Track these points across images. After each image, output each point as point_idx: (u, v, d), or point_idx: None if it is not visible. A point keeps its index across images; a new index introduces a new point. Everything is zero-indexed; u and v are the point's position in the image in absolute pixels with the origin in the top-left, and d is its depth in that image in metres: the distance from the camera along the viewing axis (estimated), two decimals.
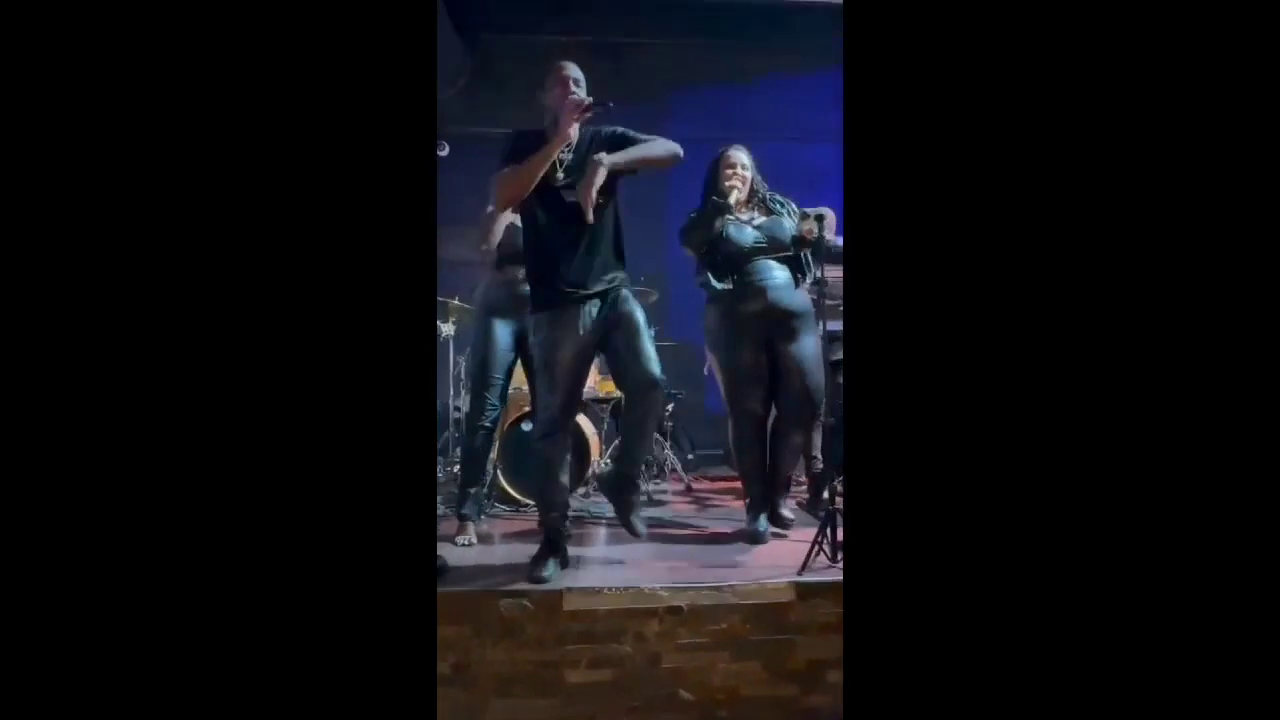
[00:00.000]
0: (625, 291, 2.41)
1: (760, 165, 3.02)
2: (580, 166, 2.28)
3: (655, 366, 2.32)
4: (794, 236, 2.83)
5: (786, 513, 2.89)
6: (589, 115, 2.24)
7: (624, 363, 2.34)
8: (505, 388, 3.01)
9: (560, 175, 2.30)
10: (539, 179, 2.24)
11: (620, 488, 2.41)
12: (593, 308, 2.34)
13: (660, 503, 3.81)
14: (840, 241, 3.03)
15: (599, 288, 2.36)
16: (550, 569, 2.30)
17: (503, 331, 2.94)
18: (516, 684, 2.13)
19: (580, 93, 2.28)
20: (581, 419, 3.68)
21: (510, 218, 2.87)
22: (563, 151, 2.29)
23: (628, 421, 2.41)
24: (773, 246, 2.85)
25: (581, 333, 2.32)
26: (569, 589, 2.19)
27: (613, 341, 2.35)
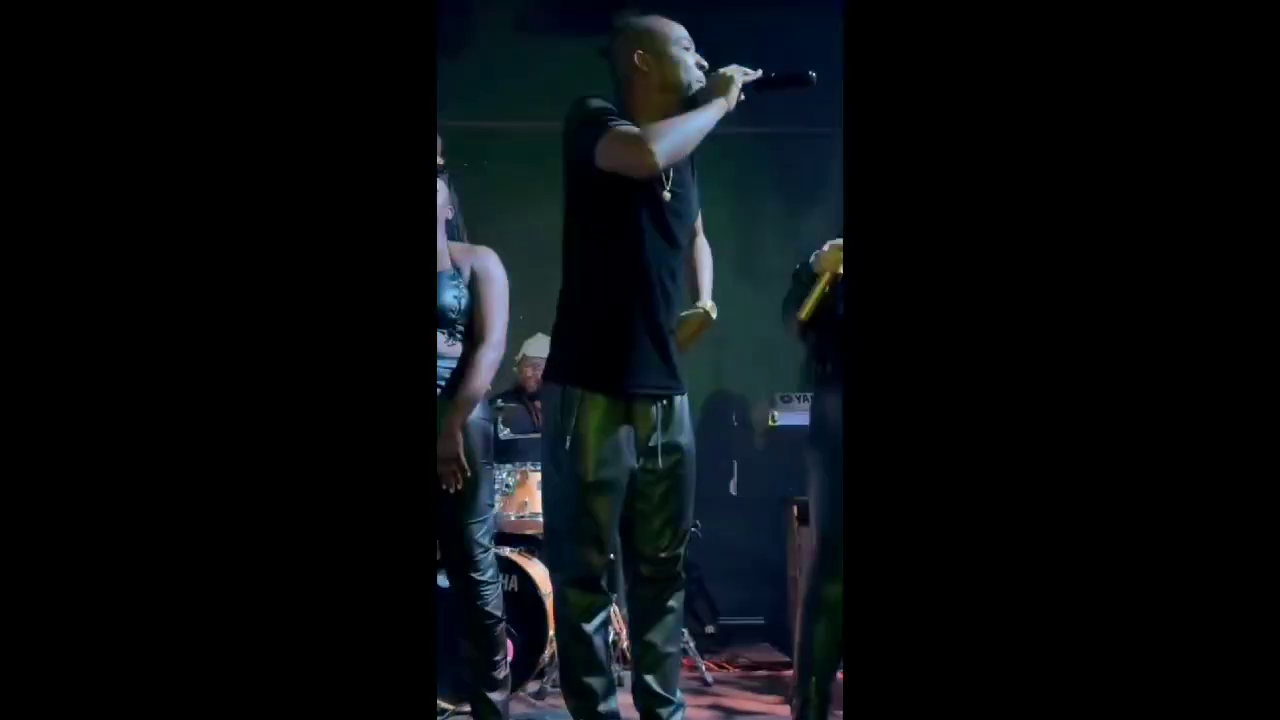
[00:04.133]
0: (685, 404, 2.04)
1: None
2: (685, 185, 2.00)
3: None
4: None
5: None
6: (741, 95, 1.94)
7: (658, 518, 1.98)
8: None
9: (667, 192, 1.93)
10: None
11: None
12: (658, 413, 1.95)
13: None
14: None
15: (672, 384, 1.98)
16: None
17: None
18: None
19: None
20: (534, 565, 2.97)
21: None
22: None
23: (654, 625, 2.01)
24: None
25: (634, 448, 1.93)
26: None
27: (654, 481, 1.97)
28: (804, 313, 2.22)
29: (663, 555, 1.96)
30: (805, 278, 2.26)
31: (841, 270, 2.19)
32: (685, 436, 1.99)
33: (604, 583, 1.92)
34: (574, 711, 1.90)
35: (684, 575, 2.03)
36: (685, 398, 2.00)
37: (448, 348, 2.25)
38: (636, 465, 1.92)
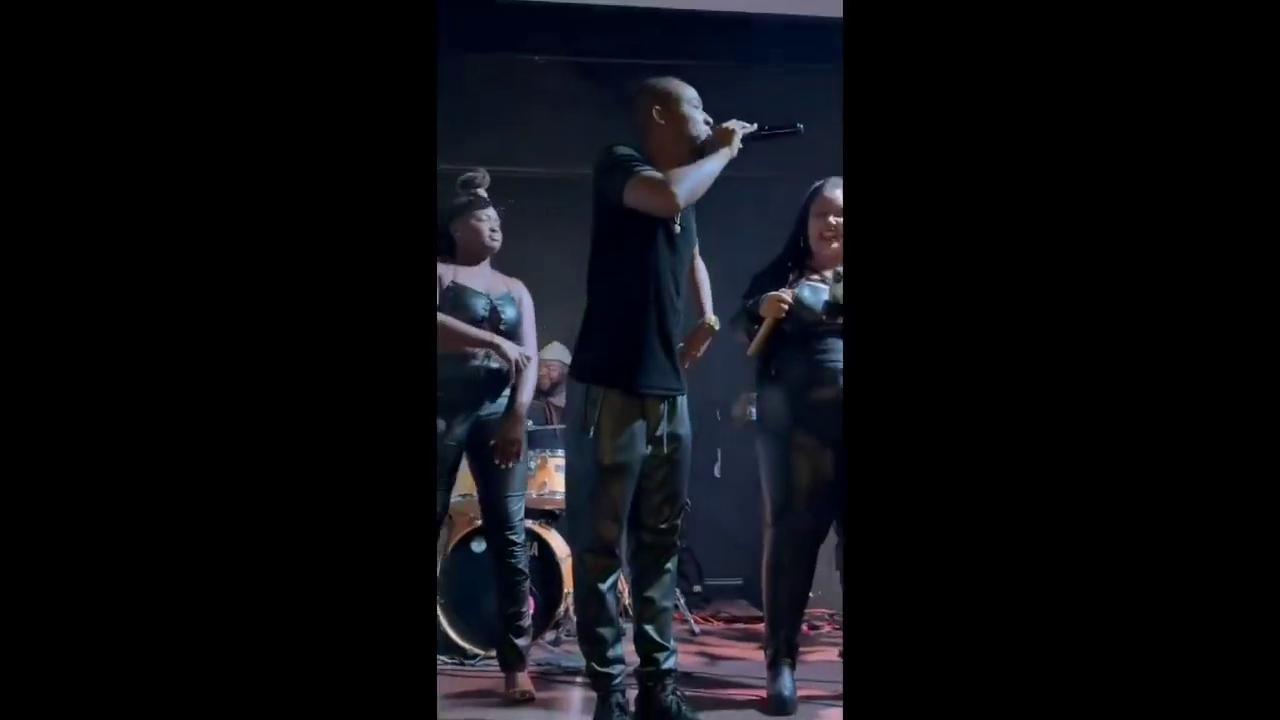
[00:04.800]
0: (685, 402, 2.18)
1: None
2: (688, 219, 2.14)
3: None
4: (828, 301, 2.35)
5: None
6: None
7: (659, 495, 2.13)
8: (448, 496, 2.50)
9: (676, 225, 2.09)
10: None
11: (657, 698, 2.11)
12: (665, 409, 2.09)
13: None
14: None
15: (677, 385, 2.13)
16: None
17: (456, 425, 2.44)
18: None
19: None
20: (551, 534, 3.13)
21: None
22: None
23: (653, 584, 2.15)
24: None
25: (644, 438, 2.07)
26: None
27: (658, 465, 2.11)
28: (753, 350, 2.42)
29: (662, 526, 2.11)
30: (753, 315, 2.41)
31: (781, 315, 2.34)
32: (684, 428, 2.12)
33: (617, 550, 2.06)
34: (587, 655, 2.06)
35: (678, 543, 2.16)
36: (685, 396, 2.14)
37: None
38: (646, 451, 2.05)
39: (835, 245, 2.39)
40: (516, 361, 2.39)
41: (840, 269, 2.37)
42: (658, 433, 2.06)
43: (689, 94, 2.11)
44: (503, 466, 2.42)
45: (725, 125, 2.05)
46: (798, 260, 2.45)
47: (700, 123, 2.08)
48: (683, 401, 2.14)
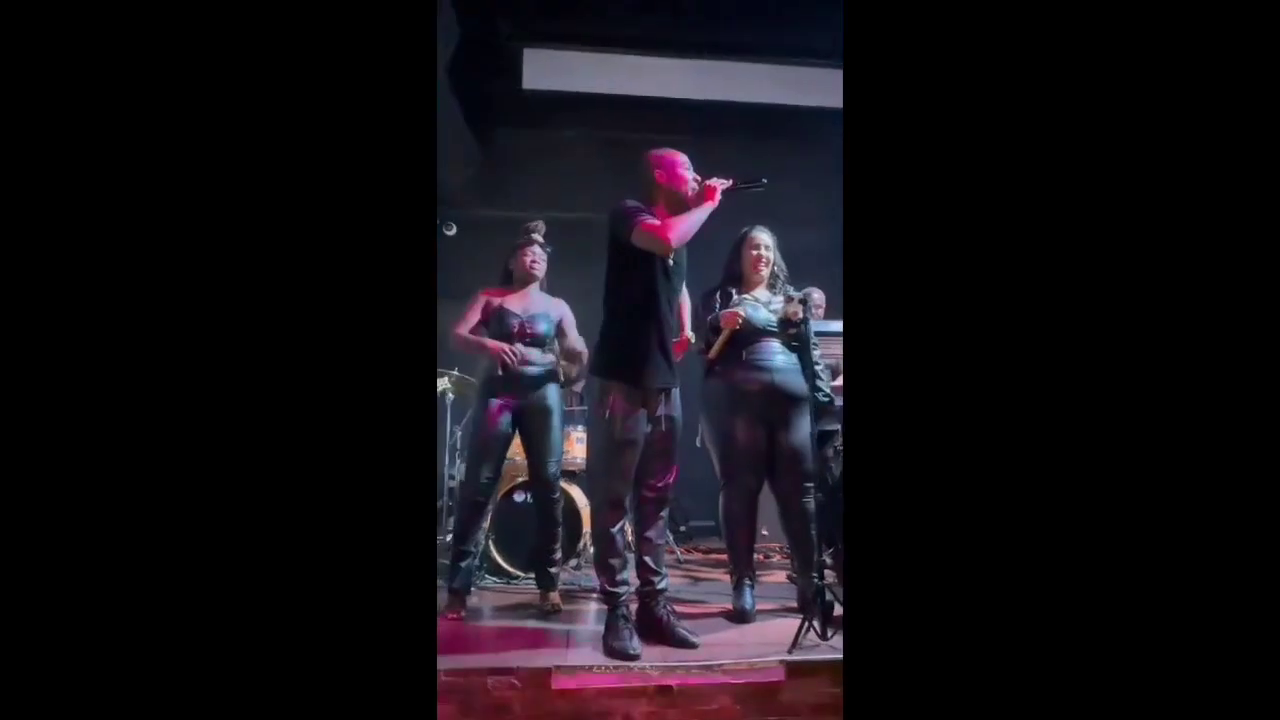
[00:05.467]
0: (678, 392, 2.48)
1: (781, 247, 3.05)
2: (679, 254, 2.43)
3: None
4: (780, 318, 2.85)
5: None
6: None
7: (657, 462, 2.42)
8: (501, 460, 3.00)
9: (671, 260, 2.41)
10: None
11: (655, 616, 2.41)
12: (663, 398, 2.38)
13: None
14: (829, 325, 3.08)
15: (672, 380, 2.42)
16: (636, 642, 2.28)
17: (505, 409, 2.94)
18: None
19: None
20: (574, 489, 3.61)
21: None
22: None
23: (650, 526, 2.44)
24: (780, 328, 2.89)
25: (647, 420, 2.34)
26: (558, 667, 2.14)
27: (656, 440, 2.40)
28: (713, 353, 2.84)
29: (659, 485, 2.46)
30: (712, 327, 2.81)
31: (737, 326, 2.74)
32: (677, 412, 2.46)
33: (625, 503, 2.40)
34: (601, 578, 2.40)
35: (669, 496, 2.51)
36: (677, 389, 2.47)
37: (541, 358, 3.00)
38: (648, 430, 2.37)
39: (763, 271, 2.95)
40: (499, 354, 2.88)
41: (792, 292, 2.88)
42: (657, 414, 2.39)
43: (681, 159, 2.46)
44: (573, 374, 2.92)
45: (708, 182, 2.36)
46: (735, 284, 2.98)
47: (690, 180, 2.41)
48: (675, 392, 2.46)
